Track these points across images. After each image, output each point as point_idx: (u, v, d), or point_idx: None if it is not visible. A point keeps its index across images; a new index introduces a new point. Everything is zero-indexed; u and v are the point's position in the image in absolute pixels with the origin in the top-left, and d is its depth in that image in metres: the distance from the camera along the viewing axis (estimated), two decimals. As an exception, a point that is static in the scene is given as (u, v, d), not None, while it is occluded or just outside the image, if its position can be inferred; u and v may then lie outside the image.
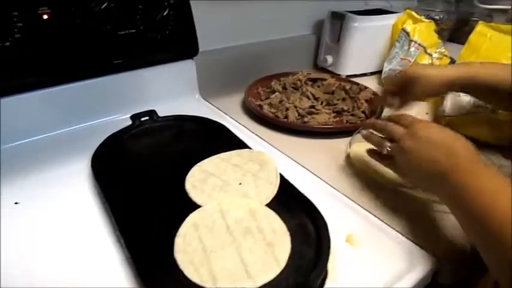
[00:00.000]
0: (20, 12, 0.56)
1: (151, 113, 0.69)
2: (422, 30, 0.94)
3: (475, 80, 0.56)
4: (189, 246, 0.44)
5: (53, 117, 0.66)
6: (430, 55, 0.93)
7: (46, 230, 0.48)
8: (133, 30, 0.68)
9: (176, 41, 0.74)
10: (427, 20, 0.97)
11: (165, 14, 0.70)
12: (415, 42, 0.93)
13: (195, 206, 0.50)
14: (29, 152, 0.62)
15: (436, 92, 0.61)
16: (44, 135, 0.66)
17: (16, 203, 0.53)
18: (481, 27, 0.79)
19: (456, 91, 0.64)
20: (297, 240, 0.45)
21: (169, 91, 0.79)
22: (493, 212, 0.37)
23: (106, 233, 0.48)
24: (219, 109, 0.81)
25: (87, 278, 0.42)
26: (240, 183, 0.54)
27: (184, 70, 0.80)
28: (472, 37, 0.79)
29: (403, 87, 0.60)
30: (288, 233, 0.45)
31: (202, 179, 0.55)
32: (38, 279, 0.42)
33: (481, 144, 0.66)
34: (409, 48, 0.93)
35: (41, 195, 0.54)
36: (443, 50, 0.94)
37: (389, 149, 0.51)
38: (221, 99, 0.84)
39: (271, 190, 0.52)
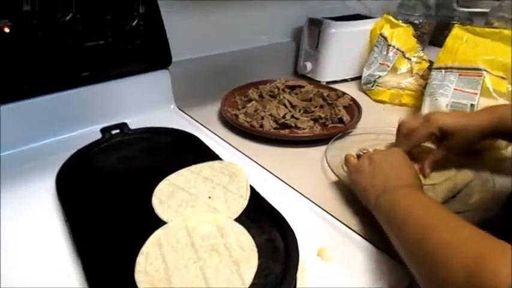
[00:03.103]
0: (-23, 26, 0.55)
1: (122, 126, 0.68)
2: (400, 35, 0.94)
3: (503, 124, 0.54)
4: (150, 265, 0.42)
5: (19, 133, 0.64)
6: (409, 59, 0.93)
7: (9, 248, 0.46)
8: (102, 42, 0.66)
9: (147, 51, 0.73)
10: (404, 25, 0.96)
11: (134, 24, 0.68)
12: (394, 47, 0.93)
13: (161, 223, 0.48)
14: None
15: (471, 144, 0.58)
16: (10, 151, 0.63)
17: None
18: (456, 31, 0.78)
19: (489, 138, 0.61)
20: (265, 257, 0.43)
21: (143, 102, 0.77)
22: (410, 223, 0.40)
23: (67, 254, 0.45)
24: (195, 119, 0.79)
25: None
26: (210, 197, 0.52)
27: (158, 81, 0.78)
28: (449, 40, 0.79)
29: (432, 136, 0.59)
30: (255, 249, 0.43)
31: (170, 193, 0.53)
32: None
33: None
34: (387, 53, 0.93)
35: (5, 213, 0.52)
36: (422, 54, 0.94)
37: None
38: (198, 110, 0.83)
39: (240, 204, 0.50)
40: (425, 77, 0.89)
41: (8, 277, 0.42)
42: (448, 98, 0.74)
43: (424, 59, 0.94)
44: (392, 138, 0.63)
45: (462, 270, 0.31)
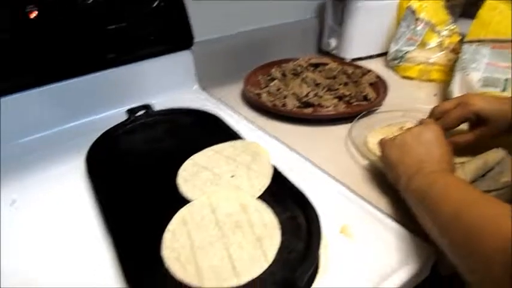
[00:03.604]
0: (6, 12, 0.56)
1: (147, 107, 0.69)
2: (430, 7, 0.89)
3: None
4: (177, 242, 0.43)
5: (48, 116, 0.66)
6: (439, 33, 0.89)
7: (42, 228, 0.49)
8: (124, 24, 0.67)
9: (170, 32, 0.73)
10: (434, -4, 0.91)
11: (155, 5, 0.68)
12: (422, 20, 0.89)
13: (185, 201, 0.49)
14: (25, 151, 0.63)
15: (508, 130, 0.54)
16: (40, 134, 0.66)
17: (13, 202, 0.53)
18: (490, 1, 0.74)
19: None
20: (288, 234, 0.43)
21: (167, 83, 0.78)
22: (446, 202, 0.38)
23: (99, 231, 0.47)
24: (218, 100, 0.79)
25: (80, 275, 0.42)
26: (232, 176, 0.52)
27: (180, 61, 0.79)
28: (482, 12, 0.74)
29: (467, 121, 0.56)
30: (278, 227, 0.44)
31: (194, 172, 0.54)
32: (31, 276, 0.42)
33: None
34: (416, 26, 0.89)
35: (38, 194, 0.54)
36: (453, 27, 0.90)
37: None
38: (221, 90, 0.83)
39: (263, 182, 0.51)
40: (456, 51, 0.85)
41: (41, 256, 0.45)
42: (480, 72, 0.71)
43: (455, 32, 0.89)
44: (420, 116, 0.61)
45: (497, 240, 0.31)
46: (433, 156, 0.47)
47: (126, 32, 0.67)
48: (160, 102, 0.73)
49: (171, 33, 0.73)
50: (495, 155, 0.57)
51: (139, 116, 0.69)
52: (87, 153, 0.58)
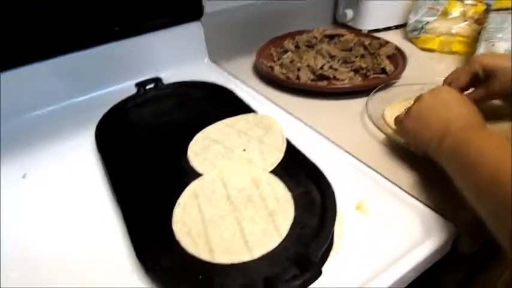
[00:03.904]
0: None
1: (157, 81, 0.67)
2: (453, -26, 0.84)
3: None
4: (187, 216, 0.42)
5: (56, 90, 0.65)
6: (463, 2, 0.84)
7: (52, 202, 0.48)
8: (133, -6, 0.65)
9: (178, 3, 0.70)
10: (458, -38, 0.86)
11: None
12: (445, -12, 0.84)
13: (196, 175, 0.48)
14: (35, 124, 0.62)
15: None
16: (49, 108, 0.65)
17: (24, 176, 0.53)
18: (521, -35, 0.69)
19: None
20: (301, 209, 0.42)
21: (176, 56, 0.75)
22: (483, 160, 0.36)
23: (109, 204, 0.47)
24: (230, 73, 0.77)
25: (89, 249, 0.41)
26: (244, 150, 0.51)
27: (191, 33, 0.76)
28: (511, -23, 0.70)
29: (475, 81, 0.53)
30: (291, 201, 0.43)
31: (205, 146, 0.52)
32: (40, 249, 0.42)
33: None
34: (438, -5, 0.84)
35: (48, 167, 0.54)
36: (478, -4, 0.84)
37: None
38: (232, 63, 0.80)
39: (276, 156, 0.49)
40: (480, 21, 0.81)
41: (51, 229, 0.44)
42: (507, 42, 0.67)
43: (480, 1, 0.84)
44: None
45: None
46: (459, 113, 0.44)
47: (134, 2, 0.65)
48: (170, 76, 0.71)
49: (180, 4, 0.71)
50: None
51: (149, 89, 0.67)
52: (96, 127, 0.57)
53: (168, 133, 0.57)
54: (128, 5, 0.65)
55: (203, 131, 0.55)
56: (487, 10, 0.80)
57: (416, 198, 0.45)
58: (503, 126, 0.54)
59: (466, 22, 0.83)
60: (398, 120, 0.51)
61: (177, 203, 0.43)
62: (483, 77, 0.52)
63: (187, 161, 0.50)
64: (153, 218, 0.42)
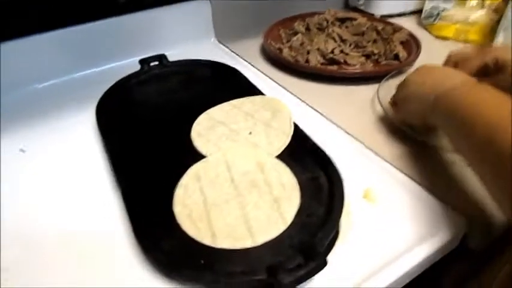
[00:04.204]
0: None
1: (161, 58, 0.65)
2: (474, -41, 0.80)
3: None
4: (189, 198, 0.40)
5: (58, 63, 0.63)
6: (482, -11, 0.81)
7: (50, 178, 0.47)
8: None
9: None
10: None
11: None
12: (464, -26, 0.80)
13: (200, 156, 0.46)
14: (35, 98, 0.60)
15: None
16: (50, 82, 0.63)
17: (22, 150, 0.51)
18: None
19: None
20: (308, 196, 0.41)
21: (183, 34, 0.73)
22: (479, 119, 0.35)
23: (109, 183, 0.45)
24: (236, 53, 0.74)
25: (88, 229, 0.40)
26: (250, 133, 0.49)
27: (198, 11, 0.73)
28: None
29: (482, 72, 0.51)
30: (297, 188, 0.41)
31: (210, 127, 0.50)
32: (39, 225, 0.41)
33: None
34: (456, -19, 0.81)
35: (47, 143, 0.52)
36: (498, -17, 0.81)
37: None
38: (240, 43, 0.78)
39: (283, 140, 0.47)
40: (498, 10, 0.77)
41: (50, 207, 0.43)
42: (527, 32, 0.64)
43: (500, -11, 0.81)
44: None
45: None
46: (453, 77, 0.44)
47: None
48: (176, 54, 0.69)
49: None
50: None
51: (153, 66, 0.64)
52: (97, 104, 0.55)
53: (171, 112, 0.55)
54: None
55: (208, 111, 0.53)
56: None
57: (427, 189, 0.44)
58: None
59: (484, 11, 0.79)
60: (392, 102, 0.51)
61: (178, 185, 0.42)
62: (493, 70, 0.50)
63: (190, 142, 0.49)
64: (154, 199, 0.41)
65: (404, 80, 0.50)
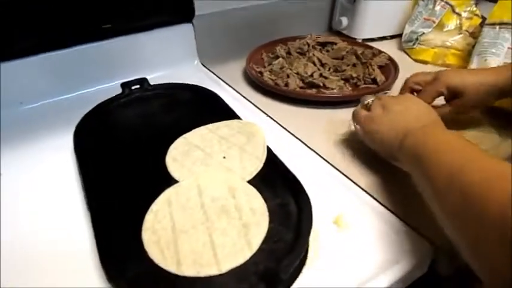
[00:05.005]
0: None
1: (143, 81, 0.66)
2: (450, -14, 0.83)
3: None
4: (158, 223, 0.41)
5: (39, 87, 0.64)
6: (459, 14, 0.83)
7: (23, 203, 0.47)
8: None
9: (169, 3, 0.69)
10: (456, -25, 0.85)
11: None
12: (442, 0, 0.83)
13: (173, 181, 0.47)
14: (14, 122, 0.60)
15: (484, 103, 0.54)
16: (30, 105, 0.64)
17: (-1, 173, 0.51)
18: (517, -19, 0.68)
19: (504, 97, 0.55)
20: (277, 222, 0.41)
21: (165, 58, 0.74)
22: (442, 164, 0.36)
23: (81, 208, 0.45)
24: (219, 77, 0.75)
25: (56, 254, 0.40)
26: (224, 157, 0.50)
27: (181, 35, 0.75)
28: (506, -8, 0.69)
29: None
30: (266, 214, 0.41)
31: (185, 151, 0.51)
32: (9, 248, 0.41)
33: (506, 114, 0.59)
34: (434, 6, 0.83)
35: (24, 167, 0.52)
36: (475, 9, 0.84)
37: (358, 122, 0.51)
38: (223, 66, 0.79)
39: (255, 165, 0.48)
40: (475, 34, 0.80)
41: (20, 230, 0.43)
42: (499, 58, 0.66)
43: (476, 14, 0.83)
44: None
45: (498, 203, 0.28)
46: (421, 117, 0.45)
47: (124, 1, 0.64)
48: (158, 77, 0.70)
49: (171, 4, 0.69)
50: (508, 146, 0.54)
51: (134, 90, 0.65)
52: (75, 127, 0.56)
53: (149, 136, 0.56)
54: (117, 4, 0.64)
55: (185, 135, 0.54)
56: (482, 24, 0.79)
57: (397, 215, 0.44)
58: (470, 134, 0.56)
59: (461, 35, 0.82)
60: (361, 115, 0.51)
61: (149, 210, 0.42)
62: (448, 97, 0.54)
63: (165, 167, 0.49)
64: (123, 224, 0.41)
65: (384, 103, 0.49)
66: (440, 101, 0.56)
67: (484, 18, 0.82)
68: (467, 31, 0.82)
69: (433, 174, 0.36)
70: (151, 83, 0.67)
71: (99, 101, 0.62)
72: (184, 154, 0.50)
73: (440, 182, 0.35)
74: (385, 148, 0.47)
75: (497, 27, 0.68)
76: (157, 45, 0.73)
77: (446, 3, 0.83)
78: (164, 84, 0.67)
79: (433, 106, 0.54)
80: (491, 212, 0.28)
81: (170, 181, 0.47)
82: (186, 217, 0.41)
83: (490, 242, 0.28)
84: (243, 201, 0.43)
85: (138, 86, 0.65)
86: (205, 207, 0.42)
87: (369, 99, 0.53)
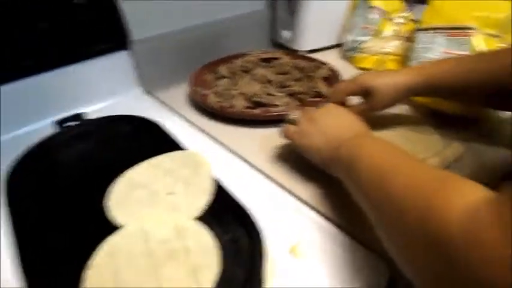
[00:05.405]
0: None
1: (79, 117, 0.61)
2: (383, -6, 0.86)
3: (430, 82, 0.52)
4: (100, 277, 0.37)
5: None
6: (394, 21, 0.86)
7: None
8: (46, 24, 0.59)
9: (101, 31, 0.66)
10: (387, -18, 0.88)
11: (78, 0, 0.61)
12: (376, 8, 0.85)
13: (115, 227, 0.43)
14: None
15: (395, 101, 0.56)
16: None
17: None
18: (443, -14, 0.71)
19: (418, 96, 0.59)
20: (228, 260, 0.38)
21: (104, 88, 0.71)
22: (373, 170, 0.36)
23: (11, 267, 0.41)
24: (164, 102, 0.73)
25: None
26: (170, 193, 0.47)
27: (118, 63, 0.71)
28: (434, -3, 0.71)
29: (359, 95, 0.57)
30: (217, 252, 0.39)
31: (127, 191, 0.48)
32: None
33: (449, 117, 0.61)
34: (369, 15, 0.85)
35: None
36: (408, 14, 0.87)
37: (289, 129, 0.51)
38: (167, 92, 0.77)
39: (203, 199, 0.45)
40: (411, 39, 0.82)
41: None
42: (435, 62, 0.68)
43: (410, 20, 0.86)
44: None
45: (418, 209, 0.28)
46: (350, 126, 0.47)
47: (51, 31, 0.60)
48: (98, 110, 0.67)
49: (103, 32, 0.66)
50: (453, 150, 0.55)
51: (70, 127, 0.61)
52: (6, 173, 0.51)
53: (87, 177, 0.52)
54: (44, 35, 0.60)
55: (126, 173, 0.50)
56: (417, 29, 0.82)
57: (350, 235, 0.43)
58: (415, 139, 0.58)
59: (399, 41, 0.84)
60: (288, 135, 0.51)
61: (88, 265, 0.38)
62: (362, 95, 0.57)
63: (105, 211, 0.45)
64: (61, 284, 0.37)
65: (311, 117, 0.50)
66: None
67: (418, 22, 0.85)
68: (403, 36, 0.84)
69: (364, 182, 0.37)
70: (91, 117, 0.63)
71: (32, 143, 0.57)
72: (126, 195, 0.47)
73: (370, 189, 0.36)
74: (322, 161, 0.47)
75: (431, 31, 0.70)
76: (93, 76, 0.69)
77: (380, 11, 0.85)
78: (102, 118, 0.63)
79: (349, 106, 0.59)
80: (411, 217, 0.28)
81: (112, 227, 0.43)
82: (131, 268, 0.38)
83: (414, 247, 0.28)
84: (192, 242, 0.40)
85: (74, 123, 0.61)
86: (152, 254, 0.39)
87: (296, 114, 0.52)
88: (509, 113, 0.62)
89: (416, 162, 0.35)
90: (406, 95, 0.55)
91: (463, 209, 0.25)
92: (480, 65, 0.50)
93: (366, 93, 0.56)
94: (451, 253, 0.24)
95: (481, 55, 0.56)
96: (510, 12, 0.63)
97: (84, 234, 0.43)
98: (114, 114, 0.64)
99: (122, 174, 0.50)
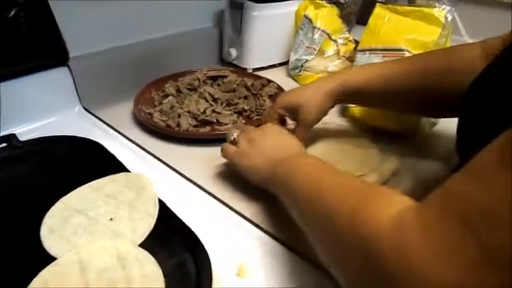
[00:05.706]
0: None
1: (10, 138, 0.57)
2: (325, 16, 0.90)
3: (347, 87, 0.54)
4: (32, 318, 0.34)
5: None
6: (335, 41, 0.90)
7: None
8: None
9: (36, 47, 0.62)
10: (329, 5, 0.92)
11: (12, 15, 0.57)
12: (319, 28, 0.89)
13: (51, 259, 0.40)
14: None
15: (323, 110, 0.56)
16: None
17: None
18: (378, 10, 0.76)
19: (341, 103, 0.60)
20: (175, 286, 0.37)
21: (39, 107, 0.66)
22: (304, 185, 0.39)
23: None
24: (105, 122, 0.70)
25: None
26: (111, 219, 0.45)
27: (55, 80, 0.67)
28: (371, 20, 0.76)
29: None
30: (162, 279, 0.38)
31: (64, 219, 0.45)
32: None
33: (385, 132, 0.64)
34: (313, 35, 0.89)
35: None
36: (348, 35, 0.91)
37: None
38: (109, 110, 0.73)
39: (147, 224, 0.44)
40: (352, 59, 0.87)
41: None
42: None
43: (350, 40, 0.91)
44: (322, 126, 0.61)
45: (345, 216, 0.30)
46: (287, 145, 0.48)
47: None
48: (33, 130, 0.63)
49: (39, 48, 0.62)
50: (390, 165, 0.57)
51: (2, 148, 0.57)
52: None
53: (20, 205, 0.48)
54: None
55: (63, 199, 0.47)
56: (355, 49, 0.87)
57: (301, 255, 0.43)
58: (353, 155, 0.59)
59: (340, 60, 0.88)
60: (228, 155, 0.52)
61: (19, 303, 0.35)
62: (293, 113, 0.57)
63: (39, 241, 0.42)
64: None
65: (250, 137, 0.50)
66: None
67: (357, 43, 0.90)
68: (344, 56, 0.89)
69: (299, 199, 0.38)
70: (25, 138, 0.59)
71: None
72: (62, 222, 0.44)
73: (304, 204, 0.37)
74: (262, 180, 0.47)
75: (367, 52, 0.75)
76: (27, 94, 0.64)
77: (323, 31, 0.88)
78: (37, 139, 0.59)
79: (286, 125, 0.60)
80: (340, 226, 0.30)
81: (47, 258, 0.40)
82: (66, 303, 0.35)
83: (346, 260, 0.29)
84: (135, 269, 0.38)
85: (5, 145, 0.57)
86: (91, 286, 0.37)
87: (235, 134, 0.53)
88: (440, 125, 0.67)
89: (344, 176, 0.37)
90: (332, 102, 0.55)
91: (388, 221, 0.26)
92: (399, 69, 0.53)
93: (294, 111, 0.56)
94: (381, 266, 0.24)
95: (402, 60, 0.59)
96: (437, 36, 0.68)
97: (18, 268, 0.40)
98: (51, 135, 0.60)
99: (59, 200, 0.47)
